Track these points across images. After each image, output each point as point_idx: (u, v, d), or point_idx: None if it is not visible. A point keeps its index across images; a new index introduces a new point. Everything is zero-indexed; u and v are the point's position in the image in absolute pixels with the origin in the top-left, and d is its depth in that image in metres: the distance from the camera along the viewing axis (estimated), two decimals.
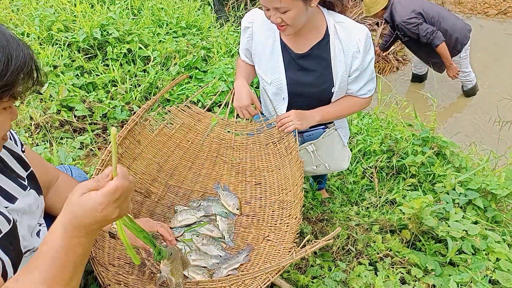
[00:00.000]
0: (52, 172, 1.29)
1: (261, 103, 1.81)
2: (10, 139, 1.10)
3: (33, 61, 0.85)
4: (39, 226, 1.11)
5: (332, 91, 1.61)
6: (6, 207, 0.97)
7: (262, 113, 1.77)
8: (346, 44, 1.52)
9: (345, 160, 1.95)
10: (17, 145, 1.12)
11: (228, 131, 1.82)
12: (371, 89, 1.65)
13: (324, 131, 1.81)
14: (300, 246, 1.26)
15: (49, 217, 1.23)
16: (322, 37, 1.54)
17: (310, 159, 1.82)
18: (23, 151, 1.14)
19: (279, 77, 1.61)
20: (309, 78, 1.60)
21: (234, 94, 1.67)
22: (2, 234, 0.90)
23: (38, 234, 1.09)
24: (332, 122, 1.81)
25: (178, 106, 1.77)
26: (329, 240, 1.19)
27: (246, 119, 1.72)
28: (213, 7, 4.46)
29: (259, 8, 1.66)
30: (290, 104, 1.66)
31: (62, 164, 2.11)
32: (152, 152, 1.70)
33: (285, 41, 1.58)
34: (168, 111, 1.79)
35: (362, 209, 2.39)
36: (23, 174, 1.10)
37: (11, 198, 1.00)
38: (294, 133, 1.61)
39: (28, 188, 1.07)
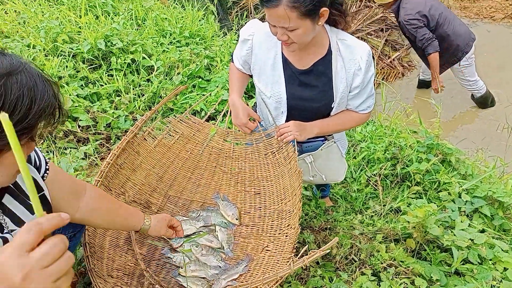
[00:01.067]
0: (79, 183, 1.31)
1: (258, 113, 1.80)
2: (34, 162, 1.10)
3: (56, 101, 0.81)
4: None
5: (332, 106, 1.61)
6: (12, 231, 0.97)
7: (260, 123, 1.76)
8: (348, 61, 1.52)
9: (341, 172, 1.94)
10: (39, 169, 1.11)
11: (227, 141, 1.82)
12: (370, 105, 1.66)
13: (323, 143, 1.80)
14: (298, 256, 1.25)
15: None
16: (324, 53, 1.53)
17: (307, 169, 1.82)
18: (46, 169, 1.13)
19: (279, 91, 1.60)
20: (310, 93, 1.59)
21: (230, 111, 1.69)
22: None
23: None
24: (331, 134, 1.79)
25: (176, 117, 1.77)
26: (326, 250, 1.18)
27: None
28: (216, 16, 4.49)
29: (259, 19, 1.66)
30: (289, 117, 1.66)
31: None
32: (151, 163, 1.71)
33: (287, 56, 1.57)
34: (168, 122, 1.79)
35: (366, 218, 2.36)
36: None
37: (18, 222, 1.00)
38: (293, 143, 1.61)
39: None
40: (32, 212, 1.04)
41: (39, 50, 3.13)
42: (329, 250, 1.28)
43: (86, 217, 1.28)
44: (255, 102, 1.87)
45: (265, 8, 1.34)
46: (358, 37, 5.02)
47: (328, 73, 1.55)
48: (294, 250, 1.33)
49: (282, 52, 1.57)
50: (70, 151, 2.56)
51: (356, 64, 1.51)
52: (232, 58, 1.76)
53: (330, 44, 1.52)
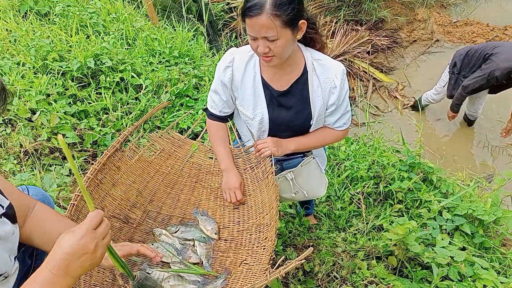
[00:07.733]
0: (26, 199, 1.25)
1: (237, 130, 1.84)
2: None
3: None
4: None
5: (311, 124, 1.66)
6: None
7: (240, 138, 1.79)
8: (323, 80, 1.57)
9: (322, 187, 1.97)
10: None
11: (209, 157, 1.84)
12: (346, 122, 1.70)
13: (303, 159, 1.84)
14: (275, 267, 1.25)
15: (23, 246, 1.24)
16: (300, 73, 1.58)
17: (288, 186, 1.84)
18: None
19: (262, 112, 1.63)
20: (289, 113, 1.63)
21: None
22: None
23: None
24: (310, 151, 1.83)
25: (158, 133, 1.79)
26: (301, 260, 1.19)
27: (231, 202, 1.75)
28: (206, 37, 4.57)
29: (235, 46, 1.70)
30: (270, 135, 1.70)
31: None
32: (131, 177, 1.71)
33: (266, 79, 1.60)
34: (150, 137, 1.82)
35: (349, 235, 2.37)
36: (4, 204, 1.10)
37: None
38: (270, 158, 1.64)
39: (2, 216, 1.08)
40: None
41: (28, 67, 3.16)
42: (304, 260, 1.29)
43: (29, 235, 1.20)
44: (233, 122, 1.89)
45: (247, 18, 1.35)
46: (344, 59, 5.13)
47: (305, 93, 1.59)
48: (271, 262, 1.34)
49: (261, 75, 1.61)
50: (55, 167, 2.56)
51: (332, 82, 1.56)
52: (207, 113, 1.78)
53: (305, 64, 1.57)
